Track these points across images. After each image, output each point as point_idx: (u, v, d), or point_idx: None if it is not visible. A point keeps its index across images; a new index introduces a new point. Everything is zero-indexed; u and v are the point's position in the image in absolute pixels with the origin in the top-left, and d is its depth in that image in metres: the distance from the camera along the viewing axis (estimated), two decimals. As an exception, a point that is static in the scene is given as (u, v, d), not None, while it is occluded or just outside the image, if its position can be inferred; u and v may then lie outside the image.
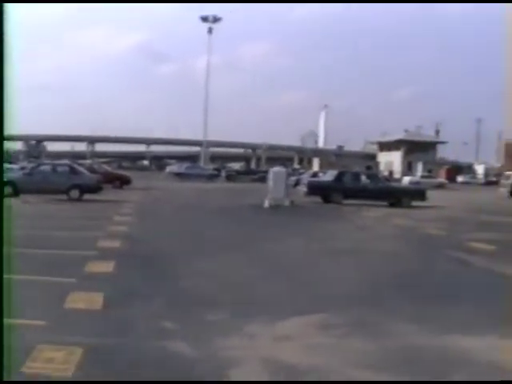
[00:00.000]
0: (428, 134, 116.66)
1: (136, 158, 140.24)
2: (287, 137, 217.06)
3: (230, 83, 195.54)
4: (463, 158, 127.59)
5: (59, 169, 28.74)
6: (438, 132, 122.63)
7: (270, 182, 27.65)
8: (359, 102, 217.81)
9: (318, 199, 30.47)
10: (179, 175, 61.86)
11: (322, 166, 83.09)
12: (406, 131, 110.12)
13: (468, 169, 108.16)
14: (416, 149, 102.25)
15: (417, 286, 10.24)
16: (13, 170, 30.10)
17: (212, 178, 62.91)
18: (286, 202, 26.63)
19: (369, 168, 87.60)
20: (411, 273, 11.54)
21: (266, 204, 26.23)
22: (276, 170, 29.57)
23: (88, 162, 54.38)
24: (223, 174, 68.24)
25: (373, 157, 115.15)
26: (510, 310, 8.42)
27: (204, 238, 15.83)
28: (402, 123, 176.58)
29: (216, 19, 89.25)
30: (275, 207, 25.72)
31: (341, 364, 5.82)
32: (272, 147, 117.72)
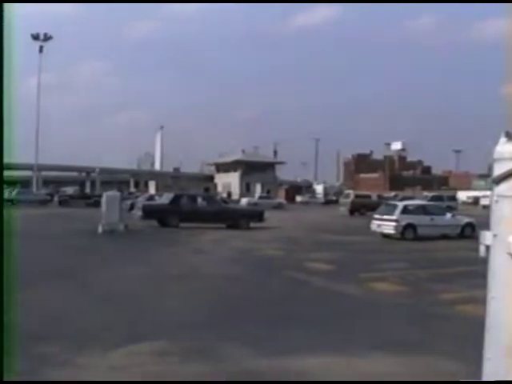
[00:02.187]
0: (266, 155, 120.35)
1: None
2: (124, 159, 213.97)
3: (64, 104, 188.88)
4: (303, 178, 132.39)
5: None
6: (275, 152, 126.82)
7: (104, 207, 27.33)
8: (198, 122, 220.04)
9: (154, 223, 30.25)
10: (10, 201, 59.45)
11: (158, 189, 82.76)
12: (244, 152, 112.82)
13: (308, 188, 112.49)
14: (254, 169, 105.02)
15: (256, 308, 10.37)
16: None
17: (45, 203, 61.19)
18: (121, 227, 26.41)
19: (207, 190, 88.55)
20: (250, 296, 11.70)
21: (100, 229, 25.91)
22: (109, 194, 29.21)
23: None
24: (56, 198, 66.44)
25: (211, 178, 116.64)
26: (348, 328, 8.76)
27: (32, 267, 15.00)
28: (243, 144, 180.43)
29: (47, 37, 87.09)
30: (109, 232, 25.43)
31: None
32: (106, 170, 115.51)
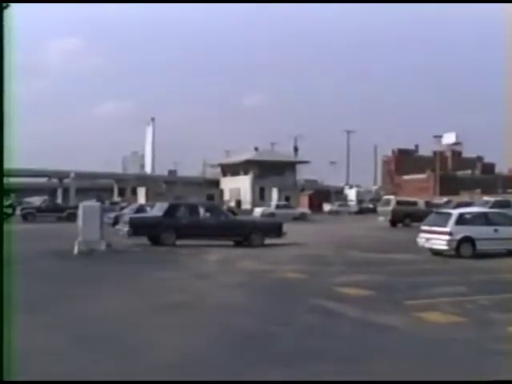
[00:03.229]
0: (284, 153, 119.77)
1: None
2: (106, 161, 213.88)
3: (28, 92, 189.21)
4: (332, 181, 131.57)
5: None
6: (296, 149, 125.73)
7: (80, 221, 27.24)
8: (197, 113, 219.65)
9: (144, 241, 30.24)
10: None
11: (149, 198, 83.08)
12: (257, 149, 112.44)
13: (338, 194, 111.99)
14: (269, 171, 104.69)
15: (271, 346, 10.31)
16: None
17: (5, 217, 61.08)
18: (102, 246, 26.35)
19: (210, 198, 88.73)
20: (263, 331, 11.65)
21: (76, 250, 25.89)
22: (87, 205, 29.20)
23: None
24: (19, 211, 66.33)
25: (215, 183, 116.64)
26: (395, 371, 8.69)
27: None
28: (255, 140, 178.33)
29: (3, 6, 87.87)
30: (88, 253, 25.39)
31: None
32: (84, 175, 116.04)
